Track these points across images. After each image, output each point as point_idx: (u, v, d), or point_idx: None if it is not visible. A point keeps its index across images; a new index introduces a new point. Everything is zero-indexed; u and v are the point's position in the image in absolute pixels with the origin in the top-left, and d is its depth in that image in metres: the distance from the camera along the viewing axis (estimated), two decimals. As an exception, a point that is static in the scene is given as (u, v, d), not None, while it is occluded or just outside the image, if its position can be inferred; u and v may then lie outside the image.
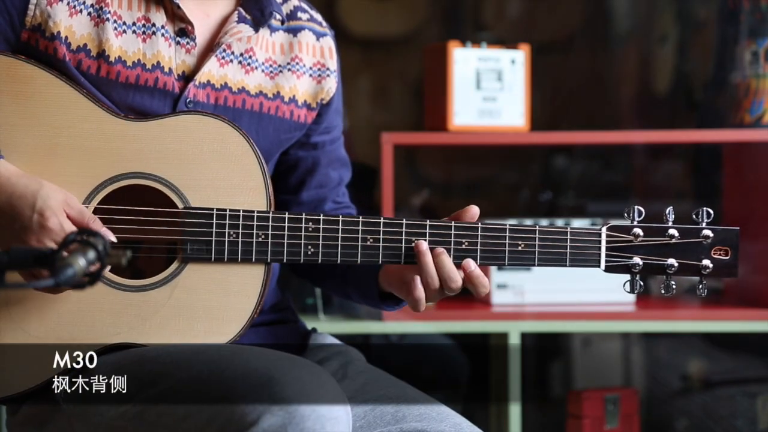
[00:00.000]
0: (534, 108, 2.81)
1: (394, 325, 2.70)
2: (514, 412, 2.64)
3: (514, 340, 2.63)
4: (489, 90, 2.73)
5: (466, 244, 1.67)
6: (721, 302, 2.90)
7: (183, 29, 1.73)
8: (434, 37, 3.78)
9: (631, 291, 1.71)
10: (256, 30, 1.77)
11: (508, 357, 2.63)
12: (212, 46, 1.76)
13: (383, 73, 3.85)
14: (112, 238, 1.60)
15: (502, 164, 3.81)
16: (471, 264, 1.66)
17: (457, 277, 1.65)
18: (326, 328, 2.46)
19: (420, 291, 1.66)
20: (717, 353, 3.36)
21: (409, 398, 1.70)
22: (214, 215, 1.65)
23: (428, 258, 1.65)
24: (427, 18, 3.85)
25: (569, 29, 3.84)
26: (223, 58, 1.76)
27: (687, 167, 3.69)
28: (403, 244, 1.67)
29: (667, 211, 1.71)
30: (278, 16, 1.81)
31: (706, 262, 1.71)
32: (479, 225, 1.67)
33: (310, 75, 1.84)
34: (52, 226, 1.57)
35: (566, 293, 2.77)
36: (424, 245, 1.65)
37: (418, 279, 1.66)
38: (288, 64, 1.82)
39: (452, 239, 1.67)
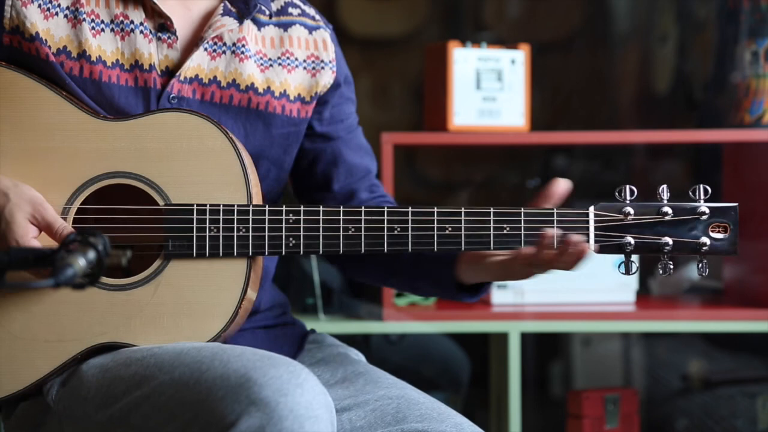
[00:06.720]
0: (534, 108, 2.81)
1: (394, 325, 2.70)
2: (514, 412, 2.63)
3: (514, 340, 2.63)
4: (489, 90, 2.73)
5: (450, 229, 1.66)
6: (721, 302, 2.90)
7: (163, 24, 1.72)
8: (434, 37, 3.78)
9: (627, 272, 1.68)
10: (241, 22, 1.77)
11: (508, 357, 2.63)
12: (197, 40, 1.75)
13: (383, 73, 3.85)
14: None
15: (502, 164, 3.81)
16: (548, 232, 1.63)
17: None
18: (326, 328, 2.46)
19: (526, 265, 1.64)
20: (717, 353, 3.36)
21: (410, 398, 1.69)
22: (195, 210, 1.65)
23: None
24: (427, 18, 3.85)
25: (569, 29, 3.84)
26: (214, 50, 1.75)
27: (687, 167, 3.69)
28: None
29: (660, 189, 1.68)
30: (266, 11, 1.80)
31: (703, 239, 1.67)
32: (462, 210, 1.66)
33: (304, 68, 1.83)
34: (16, 236, 1.58)
35: (566, 293, 2.77)
36: (549, 232, 1.63)
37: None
38: (279, 58, 1.81)
39: (435, 225, 1.66)
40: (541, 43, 3.56)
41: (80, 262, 1.27)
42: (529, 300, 2.76)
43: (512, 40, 2.84)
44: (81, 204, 1.65)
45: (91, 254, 1.29)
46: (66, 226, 1.60)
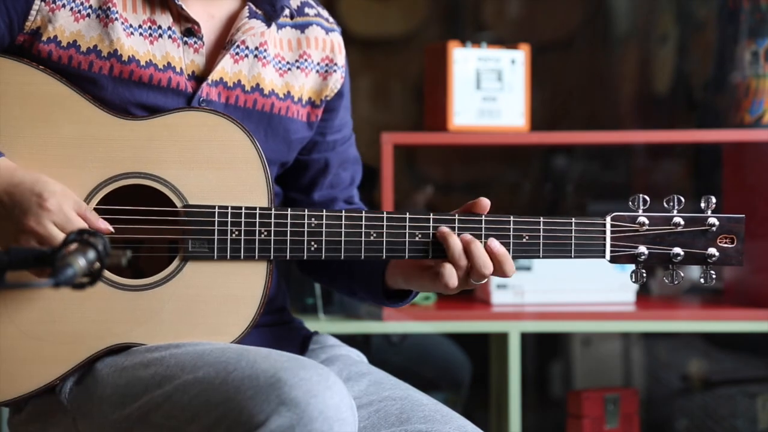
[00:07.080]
0: (534, 108, 2.81)
1: (394, 325, 2.70)
2: (514, 412, 2.63)
3: (514, 340, 2.63)
4: (489, 90, 2.72)
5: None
6: (721, 302, 2.90)
7: (189, 29, 1.72)
8: (434, 37, 3.78)
9: (636, 281, 1.69)
10: (269, 25, 1.76)
11: (508, 357, 2.63)
12: (223, 43, 1.75)
13: (383, 73, 3.86)
14: (110, 228, 1.61)
15: (502, 164, 3.82)
16: (495, 243, 1.65)
17: (489, 263, 1.63)
18: (326, 328, 2.46)
19: (450, 272, 1.64)
20: (717, 353, 3.36)
21: (413, 400, 1.69)
22: (216, 213, 1.65)
23: (454, 238, 1.64)
24: (427, 18, 3.85)
25: (569, 29, 3.84)
26: (237, 54, 1.75)
27: (687, 167, 3.69)
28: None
29: (666, 200, 1.68)
30: (287, 11, 1.80)
31: (711, 250, 1.68)
32: (483, 217, 1.67)
33: (317, 71, 1.83)
34: (51, 206, 1.57)
35: (566, 293, 2.77)
36: (445, 228, 1.65)
37: (444, 262, 1.65)
38: (296, 61, 1.81)
39: (456, 232, 1.66)
40: (541, 43, 3.57)
41: (80, 262, 1.26)
42: (529, 300, 2.76)
43: (512, 40, 2.84)
44: (97, 204, 1.64)
45: (91, 254, 1.29)
46: (90, 208, 1.61)
